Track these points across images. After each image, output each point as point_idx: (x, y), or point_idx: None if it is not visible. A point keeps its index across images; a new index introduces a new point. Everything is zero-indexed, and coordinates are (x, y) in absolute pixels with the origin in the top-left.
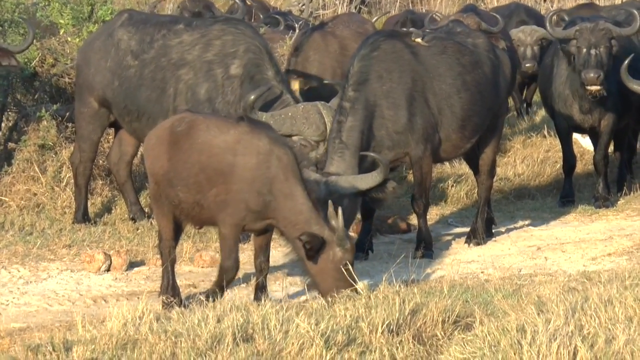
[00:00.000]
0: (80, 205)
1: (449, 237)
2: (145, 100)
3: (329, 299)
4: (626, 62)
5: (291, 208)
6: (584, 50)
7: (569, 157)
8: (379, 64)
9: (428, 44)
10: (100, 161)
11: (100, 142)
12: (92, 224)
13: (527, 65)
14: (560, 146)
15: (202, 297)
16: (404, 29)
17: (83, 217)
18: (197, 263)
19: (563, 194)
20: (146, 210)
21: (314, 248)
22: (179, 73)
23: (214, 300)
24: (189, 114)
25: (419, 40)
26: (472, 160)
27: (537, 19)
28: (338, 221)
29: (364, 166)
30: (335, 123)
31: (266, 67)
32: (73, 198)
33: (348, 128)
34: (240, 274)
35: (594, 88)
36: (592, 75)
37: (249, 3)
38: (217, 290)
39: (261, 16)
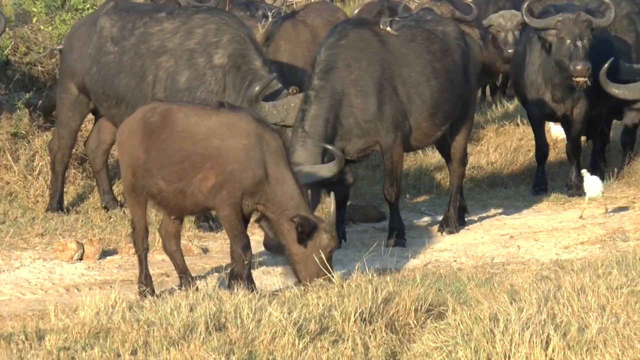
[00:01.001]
0: (56, 193)
1: (422, 226)
2: (124, 86)
3: (307, 285)
4: (605, 65)
5: (283, 193)
6: (568, 41)
7: (542, 145)
8: (347, 52)
9: (397, 32)
10: (73, 150)
11: (79, 129)
12: (64, 212)
13: (510, 51)
14: (533, 134)
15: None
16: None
17: (58, 204)
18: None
19: (536, 182)
20: (119, 199)
21: (305, 231)
22: (158, 60)
23: (252, 290)
24: (160, 103)
25: (387, 28)
26: (444, 148)
27: (515, 3)
28: (330, 208)
29: (330, 155)
30: (299, 112)
31: (253, 58)
32: (47, 186)
33: (312, 117)
34: (213, 263)
35: (581, 79)
36: (580, 67)
37: None
38: (244, 278)
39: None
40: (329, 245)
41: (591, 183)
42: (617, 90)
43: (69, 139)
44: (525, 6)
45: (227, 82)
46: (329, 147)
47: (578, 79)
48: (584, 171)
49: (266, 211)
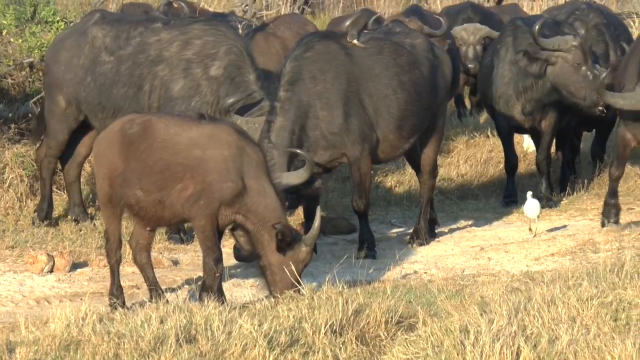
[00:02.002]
0: (45, 199)
1: (392, 238)
2: (122, 97)
3: (279, 296)
4: (604, 74)
5: (265, 205)
6: (584, 68)
7: (511, 157)
8: (313, 65)
9: (364, 44)
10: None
11: (67, 141)
12: (52, 221)
13: (470, 66)
14: (502, 146)
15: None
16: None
17: (46, 213)
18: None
19: (506, 194)
20: (89, 212)
21: (286, 240)
22: (155, 69)
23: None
24: (138, 115)
25: (354, 41)
26: (414, 160)
27: (485, 16)
28: (315, 222)
29: (297, 165)
30: (265, 123)
31: (247, 71)
32: (17, 198)
33: (277, 128)
34: (183, 275)
35: (602, 107)
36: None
37: (175, 6)
38: (215, 291)
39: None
40: (306, 259)
41: (530, 206)
42: (619, 100)
43: (55, 149)
44: (535, 27)
45: (221, 93)
46: (299, 151)
47: (601, 107)
48: (529, 193)
49: (246, 222)
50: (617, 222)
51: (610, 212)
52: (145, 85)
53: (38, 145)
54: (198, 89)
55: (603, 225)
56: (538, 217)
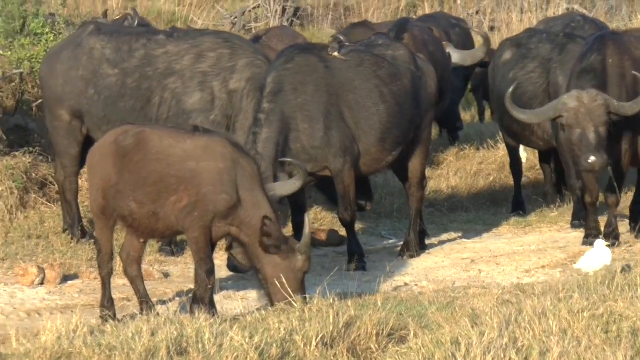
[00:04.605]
0: (75, 221)
1: (383, 250)
2: (129, 110)
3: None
4: (510, 89)
5: (258, 217)
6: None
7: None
8: (294, 76)
9: (345, 57)
10: (34, 174)
11: (79, 155)
12: (90, 238)
13: None
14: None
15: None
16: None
17: (81, 231)
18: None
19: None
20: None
21: (272, 246)
22: (165, 82)
23: (213, 314)
24: (132, 127)
25: (335, 53)
26: (401, 172)
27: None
28: (305, 229)
29: (279, 176)
30: (250, 135)
31: None
32: (7, 210)
33: (263, 139)
34: (174, 288)
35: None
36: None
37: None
38: (206, 303)
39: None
40: (303, 267)
41: (602, 254)
42: (523, 115)
43: (72, 166)
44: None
45: (244, 106)
46: (293, 161)
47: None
48: (599, 241)
49: (240, 234)
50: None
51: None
52: (154, 98)
53: (54, 170)
54: (217, 102)
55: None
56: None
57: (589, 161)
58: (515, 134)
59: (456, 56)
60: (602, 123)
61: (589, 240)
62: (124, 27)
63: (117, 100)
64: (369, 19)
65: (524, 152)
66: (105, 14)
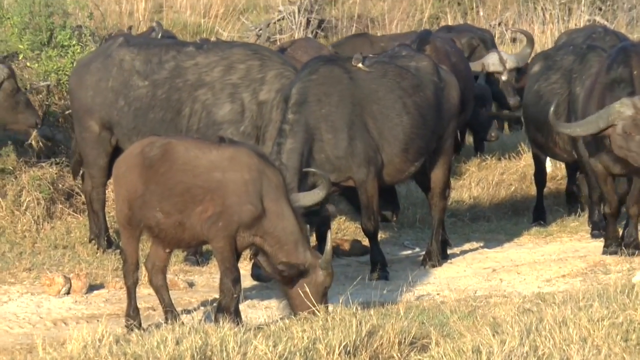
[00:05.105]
0: (102, 232)
1: (405, 259)
2: (159, 121)
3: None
4: (553, 106)
5: (283, 227)
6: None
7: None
8: (318, 87)
9: (369, 68)
10: (60, 185)
11: (108, 166)
12: (115, 248)
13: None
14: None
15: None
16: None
17: (107, 241)
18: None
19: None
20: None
21: (290, 276)
22: (196, 94)
23: (238, 323)
24: (158, 138)
25: (359, 65)
26: (423, 182)
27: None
28: (327, 245)
29: (307, 185)
30: (275, 145)
31: None
32: (34, 221)
33: (288, 150)
34: (198, 297)
35: None
36: None
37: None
38: (231, 312)
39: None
40: (324, 282)
41: None
42: (568, 129)
43: (100, 177)
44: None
45: (274, 117)
46: (317, 171)
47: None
48: None
49: (264, 244)
50: (616, 251)
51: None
52: (184, 109)
53: (81, 181)
54: (246, 113)
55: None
56: None
57: None
58: (541, 145)
59: (512, 59)
60: None
61: (609, 249)
62: (153, 39)
63: (147, 112)
64: (393, 31)
65: (549, 163)
66: (130, 29)
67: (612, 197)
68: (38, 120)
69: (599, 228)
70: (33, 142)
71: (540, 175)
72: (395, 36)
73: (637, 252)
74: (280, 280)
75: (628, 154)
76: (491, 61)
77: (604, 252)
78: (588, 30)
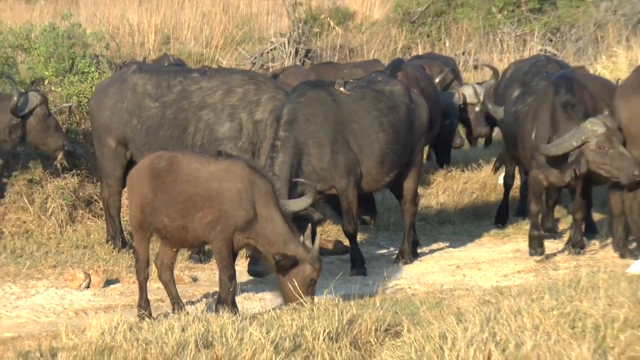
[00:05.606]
0: (117, 234)
1: (381, 257)
2: (168, 137)
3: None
4: (533, 134)
5: (272, 229)
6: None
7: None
8: (305, 108)
9: (349, 92)
10: (81, 193)
11: (123, 177)
12: (129, 248)
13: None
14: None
15: (218, 309)
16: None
17: (122, 242)
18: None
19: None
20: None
21: (284, 266)
22: (200, 114)
23: (235, 313)
24: (165, 152)
25: (341, 89)
26: (397, 190)
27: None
28: (313, 243)
29: (296, 193)
30: (268, 159)
31: None
32: (58, 224)
33: (280, 163)
34: (201, 290)
35: None
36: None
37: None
38: (229, 303)
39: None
40: (311, 275)
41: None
42: (549, 151)
43: (116, 186)
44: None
45: (267, 134)
46: (304, 181)
47: None
48: None
49: (257, 245)
50: (542, 252)
51: (536, 243)
52: (189, 128)
53: (100, 189)
54: (243, 131)
55: (531, 254)
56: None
57: (636, 172)
58: (517, 158)
59: (483, 91)
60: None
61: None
62: (163, 66)
63: (158, 130)
64: (372, 58)
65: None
66: (144, 59)
67: (540, 199)
68: (65, 143)
69: (552, 230)
70: (58, 165)
71: (510, 181)
72: (356, 64)
73: (582, 251)
74: (276, 270)
75: (602, 166)
76: (467, 93)
77: (531, 254)
78: (533, 60)
